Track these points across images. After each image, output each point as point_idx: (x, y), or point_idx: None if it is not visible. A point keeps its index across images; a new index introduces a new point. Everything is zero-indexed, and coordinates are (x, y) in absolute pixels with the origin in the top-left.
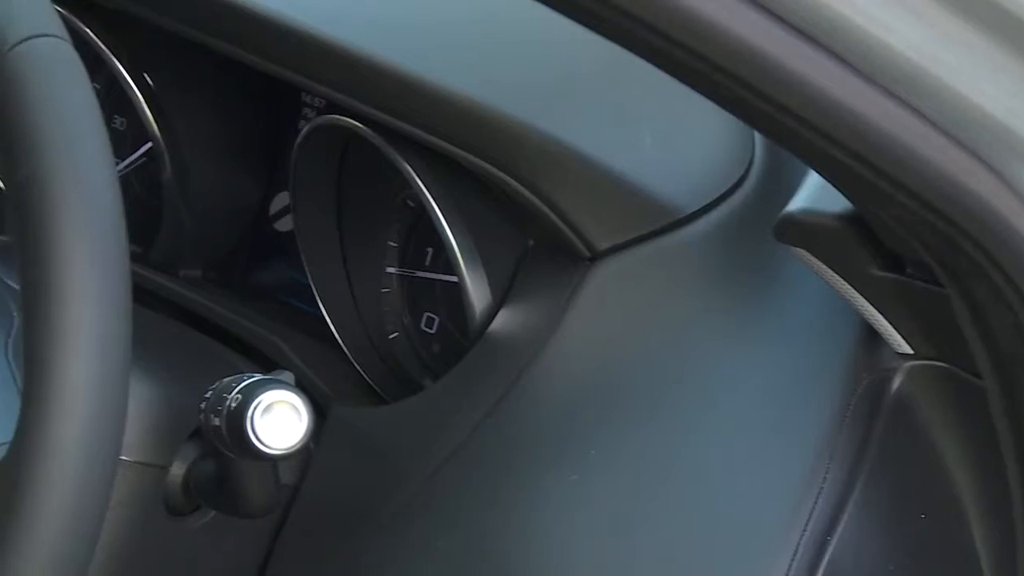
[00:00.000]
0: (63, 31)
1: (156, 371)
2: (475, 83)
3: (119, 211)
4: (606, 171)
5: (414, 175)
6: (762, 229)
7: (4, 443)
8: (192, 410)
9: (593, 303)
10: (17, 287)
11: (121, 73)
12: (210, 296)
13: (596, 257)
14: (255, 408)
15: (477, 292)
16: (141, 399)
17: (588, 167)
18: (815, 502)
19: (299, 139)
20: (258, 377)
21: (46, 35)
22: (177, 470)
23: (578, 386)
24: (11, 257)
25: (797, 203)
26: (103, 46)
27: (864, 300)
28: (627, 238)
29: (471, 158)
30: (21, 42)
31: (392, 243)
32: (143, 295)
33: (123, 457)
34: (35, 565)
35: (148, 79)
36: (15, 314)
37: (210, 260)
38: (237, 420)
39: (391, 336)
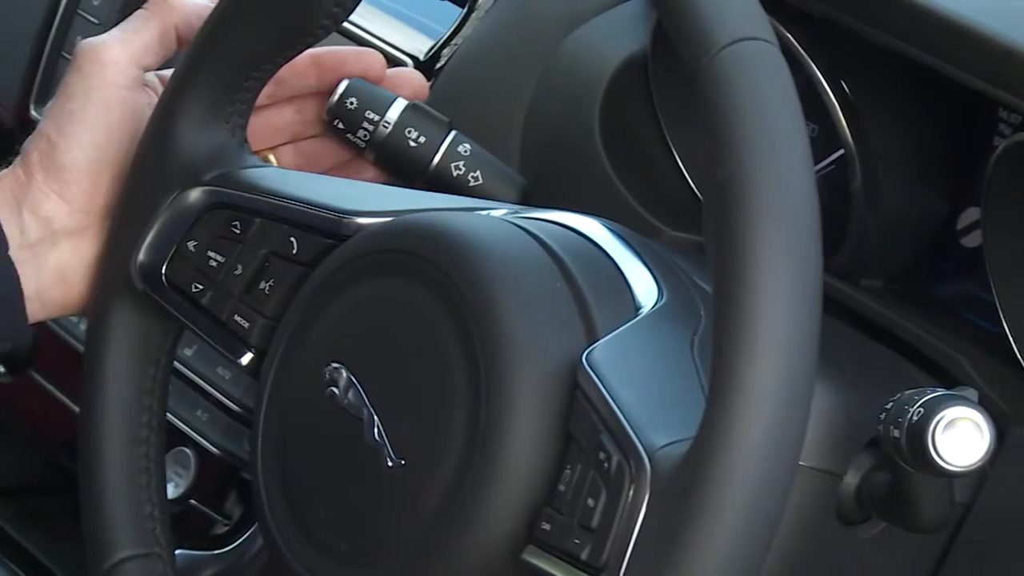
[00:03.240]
0: (772, 36)
1: (835, 377)
2: None
3: (816, 218)
4: None
5: None
6: None
7: (688, 439)
8: (869, 420)
9: None
10: (706, 287)
11: (819, 79)
12: (890, 307)
13: None
14: (937, 423)
15: None
16: (820, 405)
17: None
18: None
19: (995, 155)
20: (941, 392)
21: (756, 39)
22: (851, 479)
23: None
24: (701, 257)
25: None
26: (802, 51)
27: None
28: None
29: None
30: (732, 44)
31: None
32: (825, 301)
33: (800, 462)
34: (713, 559)
35: (845, 86)
36: (702, 313)
37: (892, 271)
38: (918, 433)
39: None
